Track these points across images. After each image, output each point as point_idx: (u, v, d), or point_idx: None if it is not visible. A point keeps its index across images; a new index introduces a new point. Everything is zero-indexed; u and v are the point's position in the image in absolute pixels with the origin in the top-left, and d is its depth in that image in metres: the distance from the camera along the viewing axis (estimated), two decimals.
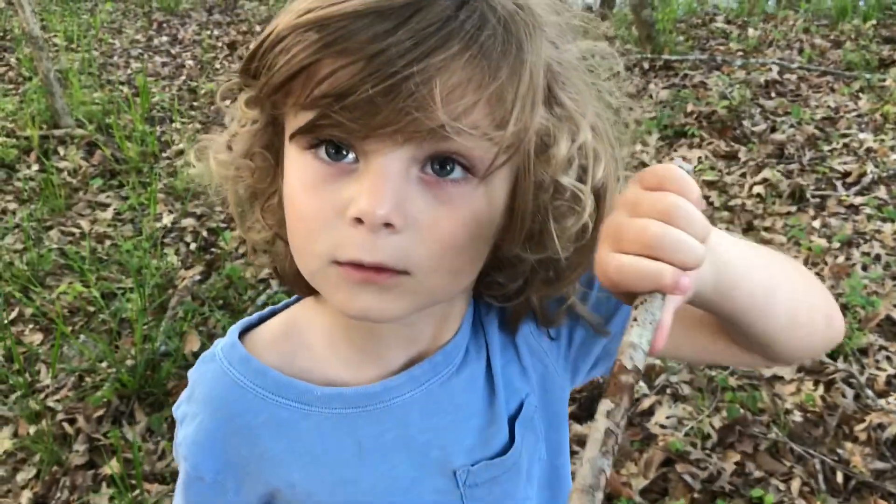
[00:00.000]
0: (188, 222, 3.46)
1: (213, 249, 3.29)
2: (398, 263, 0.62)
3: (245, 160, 0.71)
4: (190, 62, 5.52)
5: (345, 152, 0.62)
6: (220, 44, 5.94)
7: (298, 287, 0.77)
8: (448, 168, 0.62)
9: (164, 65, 5.55)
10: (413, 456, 0.77)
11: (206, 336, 2.75)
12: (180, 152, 4.10)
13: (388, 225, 0.60)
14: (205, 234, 3.38)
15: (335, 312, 0.74)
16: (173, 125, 4.47)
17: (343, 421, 0.75)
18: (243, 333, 0.79)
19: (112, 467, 2.29)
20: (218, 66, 5.42)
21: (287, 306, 0.83)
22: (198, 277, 3.03)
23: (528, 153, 0.65)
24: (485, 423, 0.79)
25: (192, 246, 3.31)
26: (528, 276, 0.73)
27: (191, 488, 0.78)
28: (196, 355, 2.67)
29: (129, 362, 2.65)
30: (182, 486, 0.79)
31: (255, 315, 0.82)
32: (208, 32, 6.34)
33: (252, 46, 0.65)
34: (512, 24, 0.61)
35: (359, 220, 0.60)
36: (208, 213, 3.53)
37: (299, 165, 0.64)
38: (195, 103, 4.78)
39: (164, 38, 6.36)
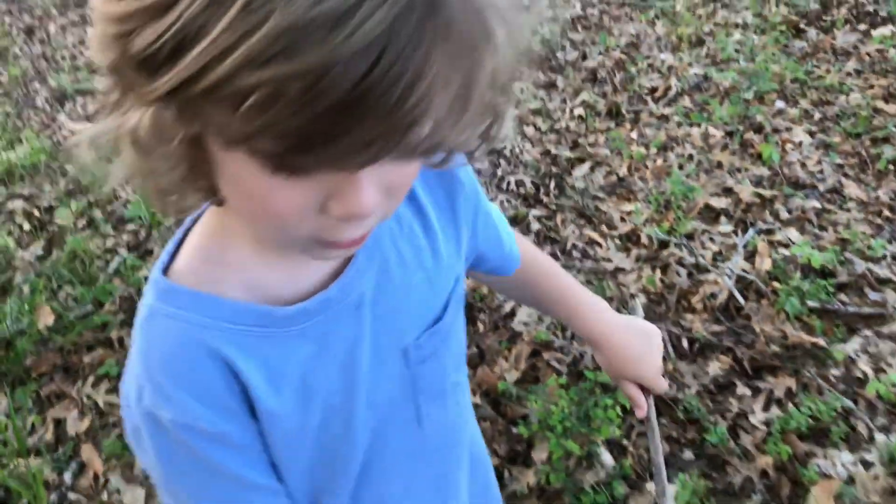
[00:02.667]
0: (16, 204, 3.29)
1: (49, 227, 3.15)
2: (378, 222, 0.64)
3: (162, 154, 0.58)
4: None
5: None
6: (15, 30, 5.59)
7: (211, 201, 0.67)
8: None
9: None
10: (371, 346, 0.77)
11: (61, 307, 2.65)
12: None
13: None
14: (37, 213, 3.23)
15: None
16: None
17: (306, 332, 0.73)
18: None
19: None
20: (17, 51, 5.11)
21: (186, 231, 0.74)
22: (40, 252, 2.90)
23: None
24: (424, 296, 0.82)
25: (26, 226, 3.15)
26: None
27: (226, 447, 0.71)
28: (52, 329, 2.59)
29: None
30: (217, 458, 0.71)
31: (165, 253, 0.73)
32: None
33: (161, 35, 0.49)
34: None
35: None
36: (37, 193, 3.37)
37: (249, 168, 0.54)
38: (0, 90, 4.50)
39: None
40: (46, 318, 2.61)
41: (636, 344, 1.09)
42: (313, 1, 0.46)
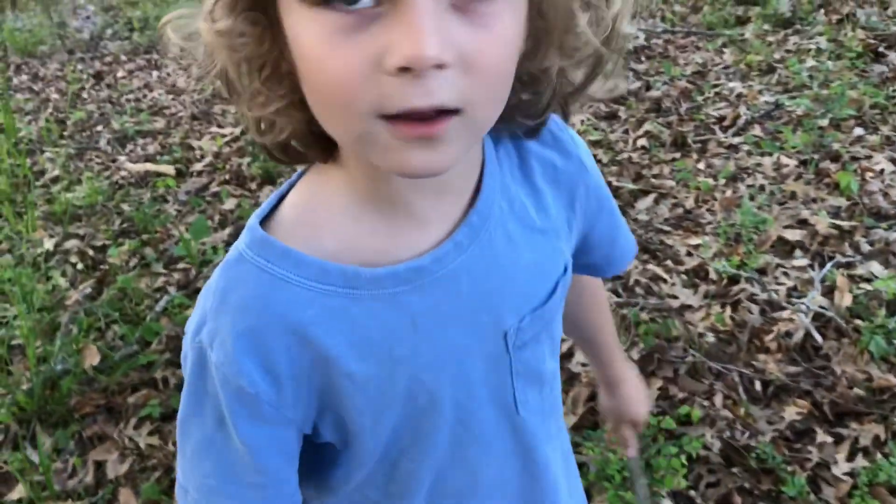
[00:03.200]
0: (72, 244, 3.30)
1: (101, 267, 3.14)
2: (453, 101, 0.56)
3: (239, 22, 0.60)
4: (55, 96, 5.31)
5: None
6: (85, 76, 5.73)
7: (313, 153, 0.70)
8: None
9: (26, 101, 5.32)
10: (466, 324, 0.75)
11: (106, 348, 2.61)
12: (55, 179, 3.91)
13: (437, 66, 0.54)
14: (91, 252, 3.23)
15: (355, 181, 0.69)
16: (44, 155, 4.27)
17: (394, 300, 0.70)
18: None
19: (28, 485, 2.14)
20: (86, 95, 5.22)
21: (291, 186, 0.75)
22: (88, 290, 2.88)
23: None
24: (531, 278, 0.79)
25: (80, 266, 3.15)
26: (554, 88, 0.70)
27: (250, 412, 0.70)
28: (97, 369, 2.54)
29: (25, 386, 2.49)
30: (234, 419, 0.70)
31: (266, 204, 0.73)
32: (72, 67, 6.11)
33: None
34: None
35: (404, 69, 0.53)
36: (92, 232, 3.37)
37: (310, 20, 0.56)
38: (65, 133, 4.59)
39: (24, 77, 6.09)
40: (92, 358, 2.56)
41: (642, 387, 1.20)
42: None
